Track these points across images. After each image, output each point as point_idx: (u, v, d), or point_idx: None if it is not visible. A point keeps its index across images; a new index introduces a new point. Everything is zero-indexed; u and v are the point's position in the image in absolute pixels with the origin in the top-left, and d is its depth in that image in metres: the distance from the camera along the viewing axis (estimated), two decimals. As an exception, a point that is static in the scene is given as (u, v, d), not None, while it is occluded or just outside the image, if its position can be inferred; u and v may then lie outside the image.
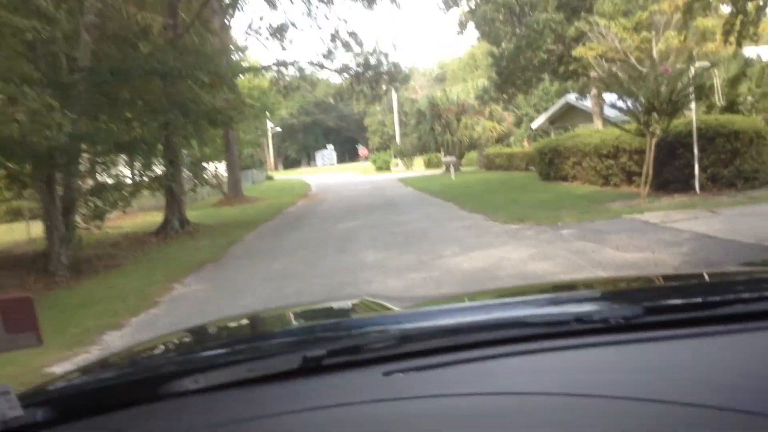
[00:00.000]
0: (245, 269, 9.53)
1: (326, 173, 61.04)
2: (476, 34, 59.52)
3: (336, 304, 1.80)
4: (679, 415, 0.72)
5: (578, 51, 19.07)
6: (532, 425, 0.74)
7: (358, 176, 45.58)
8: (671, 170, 12.91)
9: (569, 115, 27.79)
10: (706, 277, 1.46)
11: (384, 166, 51.61)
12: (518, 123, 42.70)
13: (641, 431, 0.70)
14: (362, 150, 58.24)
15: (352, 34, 25.71)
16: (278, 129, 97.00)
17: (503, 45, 23.19)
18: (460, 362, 0.92)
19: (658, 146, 13.59)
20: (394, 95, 56.29)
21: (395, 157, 54.45)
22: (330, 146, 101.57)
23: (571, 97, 26.58)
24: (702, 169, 12.67)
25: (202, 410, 0.86)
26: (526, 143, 49.43)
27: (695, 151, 12.57)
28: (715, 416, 0.70)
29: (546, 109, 48.02)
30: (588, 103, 24.79)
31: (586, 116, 26.28)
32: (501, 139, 40.10)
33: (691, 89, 11.61)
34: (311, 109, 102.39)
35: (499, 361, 0.93)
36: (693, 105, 12.32)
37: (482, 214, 13.04)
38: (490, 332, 1.01)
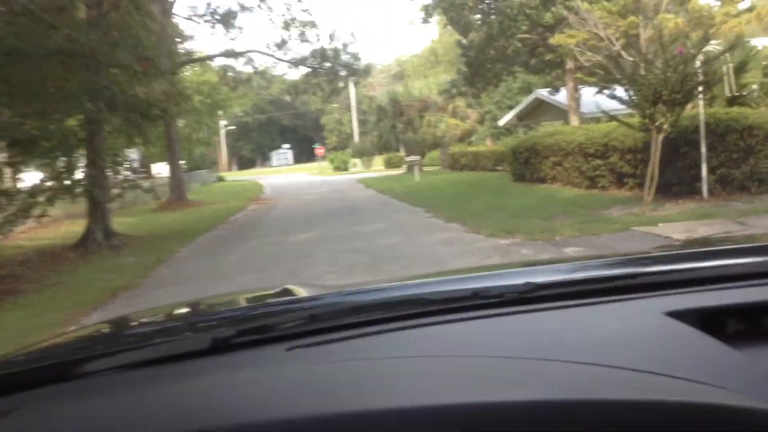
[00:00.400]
0: (166, 302, 7.39)
1: (282, 174, 58.67)
2: (437, 27, 57.88)
3: (258, 293, 1.87)
4: (567, 371, 0.80)
5: (556, 39, 17.33)
6: (428, 386, 0.79)
7: (316, 177, 43.41)
8: (674, 171, 11.21)
9: (539, 111, 26.19)
10: (591, 259, 1.56)
11: (342, 166, 49.52)
12: (481, 121, 41.16)
13: (533, 386, 0.77)
14: (319, 149, 56.06)
15: (308, 23, 23.61)
16: (232, 127, 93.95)
17: (472, 34, 21.36)
18: (359, 336, 0.98)
19: (647, 143, 11.92)
20: (352, 91, 54.27)
21: (354, 156, 52.43)
22: (286, 145, 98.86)
23: (542, 92, 24.96)
24: (710, 170, 11.01)
25: (110, 389, 0.89)
26: (489, 142, 47.99)
27: (703, 149, 10.91)
28: (598, 372, 0.80)
29: (510, 107, 46.63)
30: (561, 98, 23.20)
31: (559, 112, 24.69)
32: (464, 138, 38.46)
33: (701, 76, 9.90)
34: (266, 106, 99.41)
35: (397, 333, 0.99)
36: (700, 96, 10.62)
37: (461, 224, 11.13)
38: (391, 310, 1.07)
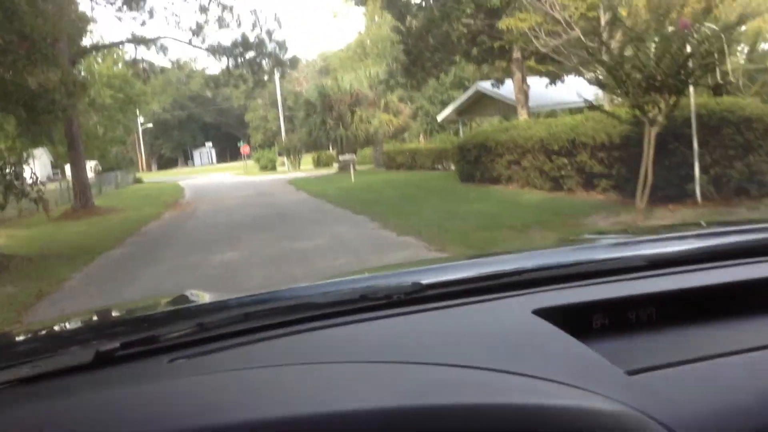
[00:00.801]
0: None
1: (205, 174, 55.47)
2: (365, 19, 55.92)
3: (157, 300, 1.70)
4: (432, 375, 0.82)
5: (505, 23, 15.74)
6: (311, 392, 0.80)
7: (241, 177, 40.75)
8: (661, 171, 9.68)
9: (481, 105, 24.71)
10: (477, 257, 1.63)
11: (269, 166, 46.98)
12: (414, 116, 39.60)
13: (397, 392, 0.78)
14: (244, 148, 53.24)
15: (227, 7, 21.23)
16: (149, 125, 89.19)
17: (410, 19, 19.56)
18: (244, 344, 0.97)
19: (627, 138, 10.44)
20: (277, 86, 51.75)
21: (281, 155, 49.88)
22: (209, 144, 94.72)
23: (484, 85, 23.45)
24: (702, 169, 9.58)
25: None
26: (422, 139, 46.49)
27: (695, 145, 9.45)
28: (461, 374, 0.82)
29: (443, 102, 45.24)
30: (505, 92, 21.75)
31: (503, 107, 23.28)
32: (397, 134, 36.78)
33: (701, 57, 8.37)
34: (186, 102, 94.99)
35: (286, 339, 0.99)
36: (693, 83, 9.12)
37: (417, 239, 9.26)
38: (280, 315, 1.07)
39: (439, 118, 26.67)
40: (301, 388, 0.82)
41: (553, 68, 16.16)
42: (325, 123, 30.87)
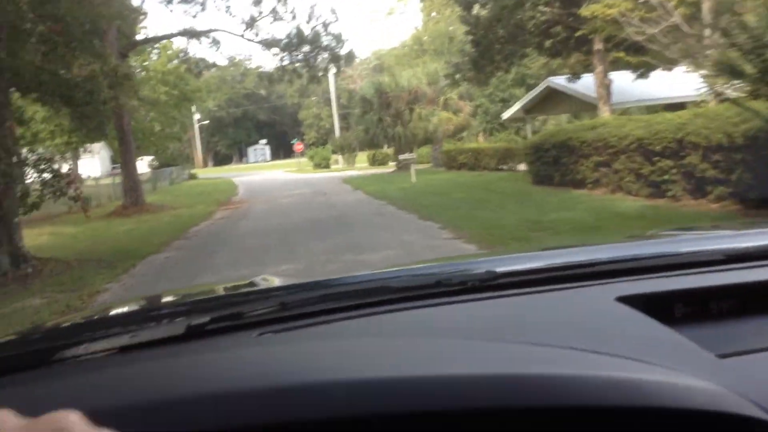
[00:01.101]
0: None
1: (259, 171, 54.96)
2: (422, 15, 54.35)
3: (233, 283, 1.90)
4: (521, 350, 0.84)
5: (589, 10, 14.11)
6: (394, 359, 0.83)
7: (295, 175, 39.88)
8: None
9: (551, 102, 22.99)
10: (551, 249, 1.73)
11: (323, 164, 46.04)
12: (473, 115, 37.95)
13: (489, 362, 0.80)
14: (298, 145, 52.54)
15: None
16: (205, 122, 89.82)
17: (478, 8, 18.07)
18: (325, 323, 1.02)
19: (754, 138, 8.76)
20: (331, 83, 50.83)
21: (335, 152, 48.94)
22: (263, 141, 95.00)
23: (557, 80, 21.74)
24: None
25: (88, 373, 0.91)
26: (481, 138, 44.79)
27: None
28: (547, 351, 0.83)
29: (504, 100, 43.40)
30: (580, 87, 20.03)
31: (576, 103, 21.55)
32: (456, 133, 35.24)
33: None
34: (241, 100, 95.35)
35: (362, 320, 1.03)
36: None
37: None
38: (357, 298, 1.11)
39: (505, 116, 25.04)
40: (385, 354, 0.85)
41: (647, 59, 14.40)
42: (382, 120, 29.57)
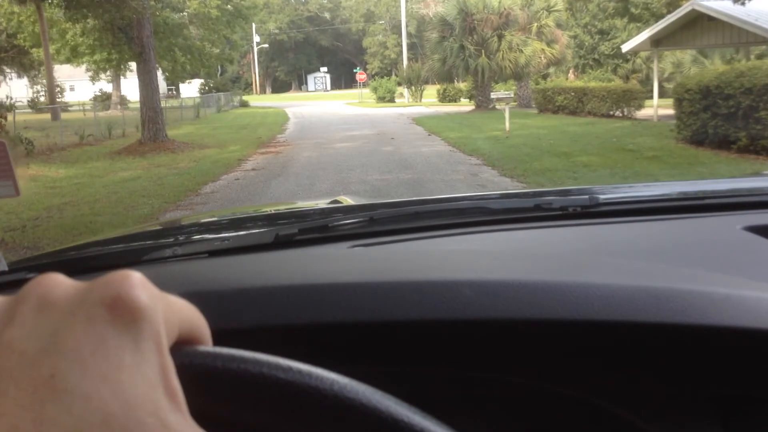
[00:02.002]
0: None
1: (317, 101, 50.51)
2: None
3: (315, 201, 1.83)
4: (628, 265, 0.80)
5: None
6: (488, 266, 0.79)
7: (355, 109, 35.24)
8: None
9: (695, 31, 17.47)
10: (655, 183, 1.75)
11: (387, 97, 41.15)
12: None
13: (593, 273, 0.76)
14: (360, 75, 47.69)
15: None
16: (265, 45, 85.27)
17: None
18: (419, 238, 0.99)
19: None
20: (402, 4, 45.25)
21: (400, 85, 43.87)
22: (324, 69, 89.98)
23: (707, 3, 16.23)
24: None
25: (179, 273, 0.91)
26: (571, 75, 38.95)
27: None
28: (660, 267, 0.79)
29: (602, 31, 37.19)
30: (738, 11, 14.63)
31: (734, 33, 16.10)
32: (548, 68, 29.79)
33: None
34: (304, 23, 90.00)
35: (459, 237, 1.00)
36: None
37: None
38: (453, 216, 1.08)
39: (625, 48, 19.63)
40: (488, 262, 0.81)
41: None
42: (464, 49, 24.42)
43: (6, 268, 0.90)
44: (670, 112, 13.91)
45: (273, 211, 1.56)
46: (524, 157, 11.36)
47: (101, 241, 1.20)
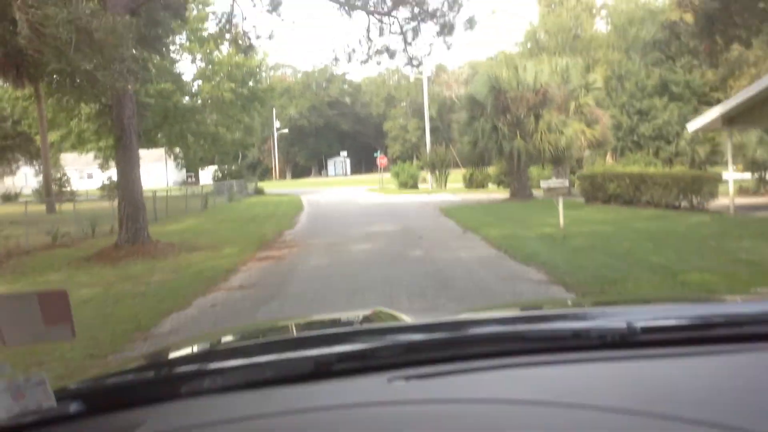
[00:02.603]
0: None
1: (336, 187, 48.38)
2: (538, 7, 46.14)
3: (350, 315, 1.88)
4: (668, 428, 0.75)
5: None
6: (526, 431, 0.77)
7: (376, 196, 32.73)
8: None
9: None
10: (701, 299, 1.65)
11: (409, 182, 38.73)
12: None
13: None
14: (381, 159, 45.53)
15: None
16: (284, 130, 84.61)
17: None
18: (459, 372, 0.98)
19: None
20: (424, 86, 43.59)
21: (422, 169, 41.52)
22: (343, 153, 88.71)
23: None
24: None
25: (219, 409, 0.91)
26: (609, 158, 36.34)
27: None
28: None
29: (641, 112, 34.74)
30: None
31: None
32: (588, 150, 27.19)
33: None
34: (324, 109, 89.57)
35: (496, 372, 0.99)
36: None
37: None
38: (491, 345, 1.07)
39: (692, 127, 16.87)
40: (528, 422, 0.79)
41: None
42: (497, 130, 21.90)
43: (54, 404, 0.90)
44: (745, 201, 11.02)
45: (308, 330, 1.51)
46: (604, 271, 8.35)
47: (135, 369, 1.21)
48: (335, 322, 1.59)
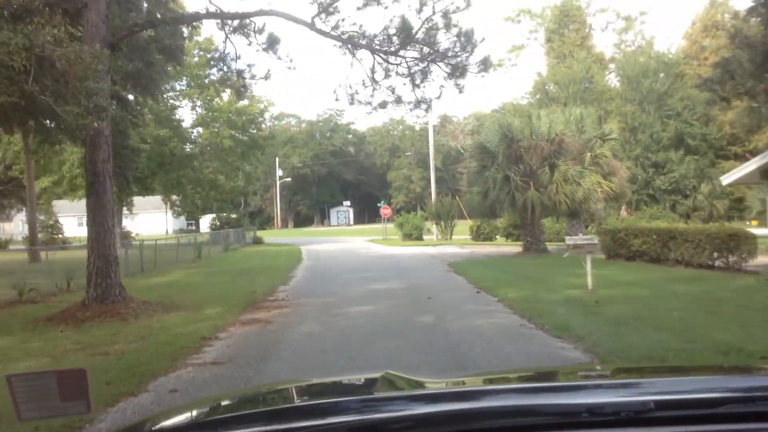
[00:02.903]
0: None
1: (338, 237, 46.92)
2: (545, 58, 45.50)
3: (359, 378, 1.83)
4: None
5: None
6: None
7: (379, 248, 31.22)
8: None
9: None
10: (724, 371, 1.55)
11: (414, 234, 37.23)
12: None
13: None
14: (385, 209, 44.17)
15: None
16: (287, 179, 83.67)
17: None
18: None
19: None
20: (430, 135, 42.51)
21: (427, 219, 40.03)
22: (346, 203, 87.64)
23: None
24: None
25: None
26: (624, 212, 34.89)
27: None
28: None
29: (656, 165, 33.41)
30: None
31: None
32: (599, 203, 25.68)
33: None
34: (327, 158, 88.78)
35: None
36: None
37: None
38: (504, 419, 1.06)
39: (726, 180, 15.45)
40: None
41: None
42: (509, 180, 20.49)
43: None
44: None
45: (313, 396, 1.49)
46: (661, 351, 6.74)
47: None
48: (347, 388, 1.56)
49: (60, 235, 36.73)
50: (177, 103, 30.57)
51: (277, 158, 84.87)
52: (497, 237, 34.69)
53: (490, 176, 20.41)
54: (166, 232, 57.90)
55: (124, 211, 38.52)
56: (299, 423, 1.06)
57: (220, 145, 31.80)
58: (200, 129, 32.10)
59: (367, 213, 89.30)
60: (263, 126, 34.28)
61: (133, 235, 36.61)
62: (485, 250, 26.08)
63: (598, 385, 1.29)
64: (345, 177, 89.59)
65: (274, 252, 30.94)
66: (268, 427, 1.06)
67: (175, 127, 30.26)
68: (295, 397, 1.51)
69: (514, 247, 25.26)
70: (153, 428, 1.24)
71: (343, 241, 40.33)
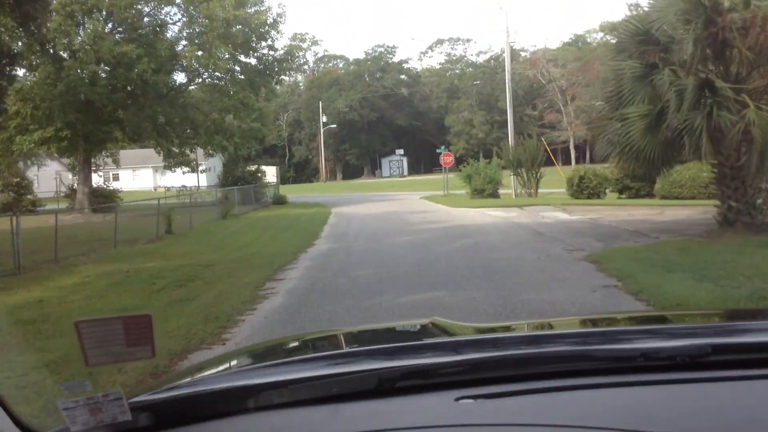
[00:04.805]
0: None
1: (387, 193, 37.75)
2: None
3: (408, 326, 1.88)
4: None
5: None
6: None
7: (441, 210, 21.78)
8: None
9: None
10: None
11: (488, 189, 27.56)
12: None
13: None
14: (446, 156, 34.53)
15: None
16: (333, 126, 74.34)
17: None
18: (528, 392, 0.97)
19: None
20: (507, 61, 32.33)
21: (504, 168, 30.04)
22: (400, 151, 77.85)
23: None
24: None
25: (288, 424, 0.94)
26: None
27: None
28: None
29: None
30: None
31: None
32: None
33: None
34: (378, 101, 78.67)
35: (566, 394, 0.98)
36: None
37: None
38: (558, 364, 1.05)
39: None
40: None
41: None
42: (709, 90, 10.50)
43: (129, 417, 0.93)
44: None
45: (367, 342, 1.48)
46: None
47: (206, 377, 1.23)
48: (396, 335, 1.55)
49: (29, 195, 28.72)
50: (144, 7, 21.42)
51: (320, 102, 75.67)
52: (606, 192, 24.74)
53: (667, 82, 10.39)
54: (153, 188, 49.65)
55: (111, 164, 30.13)
56: (353, 367, 1.05)
57: (214, 69, 22.46)
58: (185, 43, 22.74)
59: (422, 163, 79.58)
60: (275, 44, 24.68)
61: (118, 194, 28.23)
62: (614, 215, 16.32)
63: (653, 330, 1.26)
64: (397, 122, 79.53)
65: (293, 217, 21.95)
66: (326, 371, 1.04)
67: (146, 43, 21.04)
68: (344, 344, 1.53)
69: (674, 211, 15.44)
70: (230, 364, 1.35)
71: (392, 198, 31.05)
